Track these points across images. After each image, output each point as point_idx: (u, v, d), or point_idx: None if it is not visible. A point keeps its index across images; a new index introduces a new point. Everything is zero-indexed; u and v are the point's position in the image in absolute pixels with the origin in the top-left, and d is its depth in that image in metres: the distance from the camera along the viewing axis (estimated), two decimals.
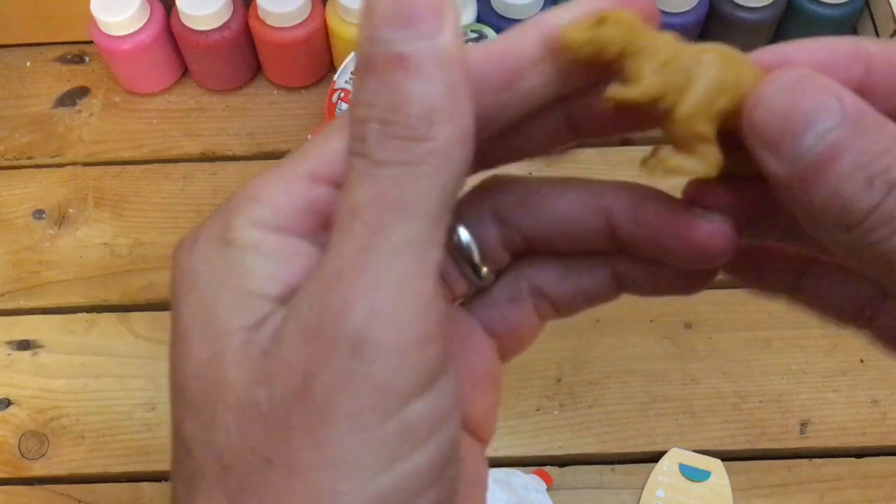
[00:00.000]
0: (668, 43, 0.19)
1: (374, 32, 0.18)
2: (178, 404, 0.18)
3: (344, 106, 0.65)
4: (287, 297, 0.18)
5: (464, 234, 0.23)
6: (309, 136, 0.69)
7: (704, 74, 0.19)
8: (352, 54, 0.67)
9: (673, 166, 0.19)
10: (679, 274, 0.22)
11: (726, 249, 0.21)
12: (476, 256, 0.23)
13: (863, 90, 0.19)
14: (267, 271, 0.18)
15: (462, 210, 0.23)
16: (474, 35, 0.66)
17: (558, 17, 0.20)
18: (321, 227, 0.19)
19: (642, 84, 0.19)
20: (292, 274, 0.18)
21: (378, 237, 0.17)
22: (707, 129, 0.19)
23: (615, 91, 0.19)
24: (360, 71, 0.18)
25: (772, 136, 0.18)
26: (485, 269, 0.23)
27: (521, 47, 0.20)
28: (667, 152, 0.20)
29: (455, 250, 0.23)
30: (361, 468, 0.17)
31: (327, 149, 0.19)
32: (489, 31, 0.67)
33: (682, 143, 0.19)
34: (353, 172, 0.18)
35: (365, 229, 0.17)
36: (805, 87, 0.18)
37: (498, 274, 0.24)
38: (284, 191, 0.19)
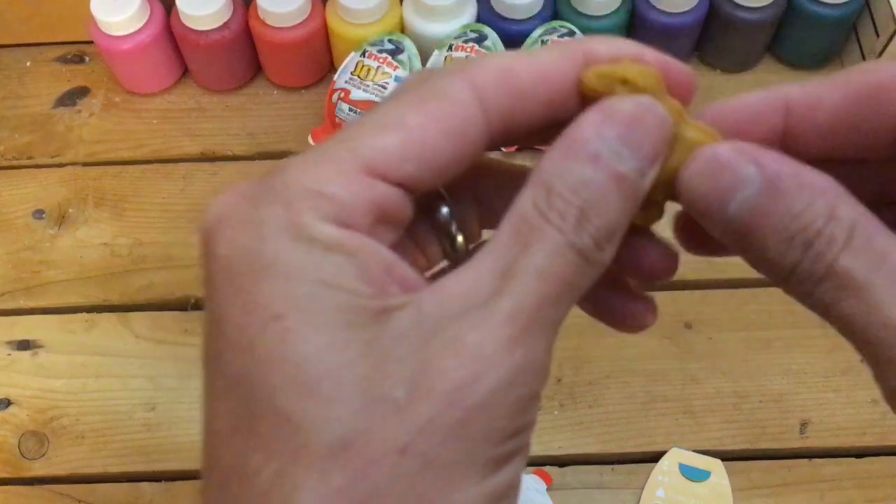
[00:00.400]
0: (670, 111, 0.22)
1: (613, 142, 0.20)
2: (275, 379, 0.19)
3: (345, 106, 0.66)
4: (379, 297, 0.20)
5: (444, 208, 0.25)
6: (309, 137, 0.69)
7: (675, 152, 0.22)
8: (352, 54, 0.67)
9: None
10: (616, 305, 0.26)
11: (669, 272, 0.24)
12: (453, 228, 0.25)
13: (787, 135, 0.22)
14: (357, 273, 0.20)
15: (447, 188, 0.25)
16: (474, 35, 0.66)
17: (603, 49, 0.22)
18: (378, 223, 0.21)
19: None
20: (378, 275, 0.20)
21: (548, 308, 0.20)
22: (659, 196, 0.22)
23: None
24: (579, 154, 0.20)
25: (701, 209, 0.21)
26: (459, 240, 0.25)
27: (567, 74, 0.22)
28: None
29: (436, 223, 0.25)
30: (481, 471, 0.19)
31: (383, 144, 0.21)
32: (489, 31, 0.67)
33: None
34: (542, 233, 0.20)
35: (538, 293, 0.20)
36: (721, 162, 0.20)
37: (474, 249, 0.26)
38: (347, 186, 0.20)
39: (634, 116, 0.20)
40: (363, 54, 0.66)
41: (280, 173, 0.21)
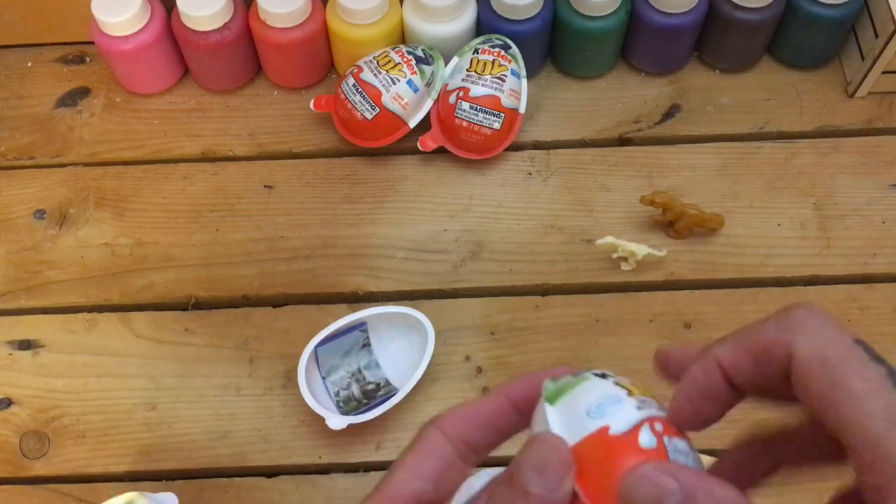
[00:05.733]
0: (684, 209, 0.63)
1: (524, 468, 0.27)
2: None
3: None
4: None
5: None
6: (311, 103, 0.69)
7: (685, 215, 0.63)
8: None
9: (673, 236, 0.65)
10: None
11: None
12: None
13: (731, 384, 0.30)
14: None
15: None
16: (500, 42, 0.67)
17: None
18: None
19: (674, 213, 0.64)
20: None
21: None
22: (684, 231, 0.64)
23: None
24: (507, 479, 0.27)
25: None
26: None
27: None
28: (671, 231, 0.65)
29: None
30: None
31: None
32: (511, 42, 0.67)
33: (677, 232, 0.65)
34: None
35: None
36: (650, 479, 0.27)
37: None
38: None
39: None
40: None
41: None
